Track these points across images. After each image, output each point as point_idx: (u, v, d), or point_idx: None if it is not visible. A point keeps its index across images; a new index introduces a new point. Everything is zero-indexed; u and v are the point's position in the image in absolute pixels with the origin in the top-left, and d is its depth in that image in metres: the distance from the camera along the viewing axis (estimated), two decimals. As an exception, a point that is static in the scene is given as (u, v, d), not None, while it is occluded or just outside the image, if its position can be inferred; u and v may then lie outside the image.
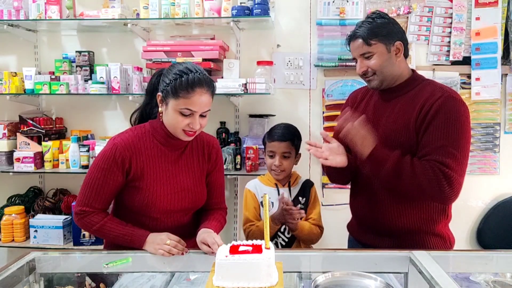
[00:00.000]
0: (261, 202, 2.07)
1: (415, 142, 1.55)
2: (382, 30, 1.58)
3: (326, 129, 2.73)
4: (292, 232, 2.00)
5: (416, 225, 1.60)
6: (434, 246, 1.61)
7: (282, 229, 2.03)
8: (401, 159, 1.50)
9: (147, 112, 1.63)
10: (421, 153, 1.52)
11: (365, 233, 1.73)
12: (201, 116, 1.48)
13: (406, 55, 1.64)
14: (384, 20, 1.60)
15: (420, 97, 1.57)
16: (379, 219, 1.64)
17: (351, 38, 1.63)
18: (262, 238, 1.87)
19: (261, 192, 2.09)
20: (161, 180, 1.53)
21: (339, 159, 1.62)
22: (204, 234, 1.46)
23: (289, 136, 2.06)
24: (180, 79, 1.42)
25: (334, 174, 1.79)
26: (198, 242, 1.46)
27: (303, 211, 1.94)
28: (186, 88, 1.42)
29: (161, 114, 1.52)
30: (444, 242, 1.65)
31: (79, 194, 1.52)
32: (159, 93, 1.50)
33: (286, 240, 2.05)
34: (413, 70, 1.67)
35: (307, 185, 2.13)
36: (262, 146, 2.57)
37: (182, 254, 1.42)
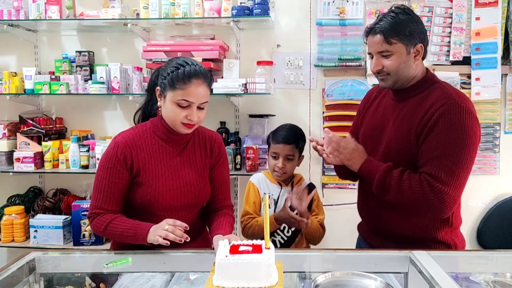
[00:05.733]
0: (263, 199, 2.07)
1: (415, 150, 1.49)
2: (404, 28, 1.46)
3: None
4: (302, 229, 1.99)
5: (417, 232, 1.57)
6: None
7: (281, 228, 2.03)
8: (388, 175, 1.47)
9: (149, 110, 1.63)
10: (418, 164, 1.48)
11: (372, 235, 1.71)
12: (199, 108, 1.49)
13: (424, 56, 1.54)
14: (408, 17, 1.48)
15: (426, 102, 1.49)
16: (381, 225, 1.63)
17: (370, 31, 1.52)
18: (261, 234, 1.90)
19: (265, 187, 2.09)
20: (163, 175, 1.53)
21: (339, 158, 1.60)
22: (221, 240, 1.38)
23: (294, 138, 2.05)
24: (177, 71, 1.44)
25: (341, 170, 1.76)
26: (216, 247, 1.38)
27: (308, 214, 1.94)
28: (183, 79, 1.43)
29: (160, 109, 1.53)
30: (449, 249, 1.59)
31: (91, 200, 1.52)
32: (158, 87, 1.51)
33: (285, 238, 2.05)
34: (427, 70, 1.58)
35: (311, 188, 2.13)
36: (263, 146, 2.58)
37: (180, 241, 1.37)
